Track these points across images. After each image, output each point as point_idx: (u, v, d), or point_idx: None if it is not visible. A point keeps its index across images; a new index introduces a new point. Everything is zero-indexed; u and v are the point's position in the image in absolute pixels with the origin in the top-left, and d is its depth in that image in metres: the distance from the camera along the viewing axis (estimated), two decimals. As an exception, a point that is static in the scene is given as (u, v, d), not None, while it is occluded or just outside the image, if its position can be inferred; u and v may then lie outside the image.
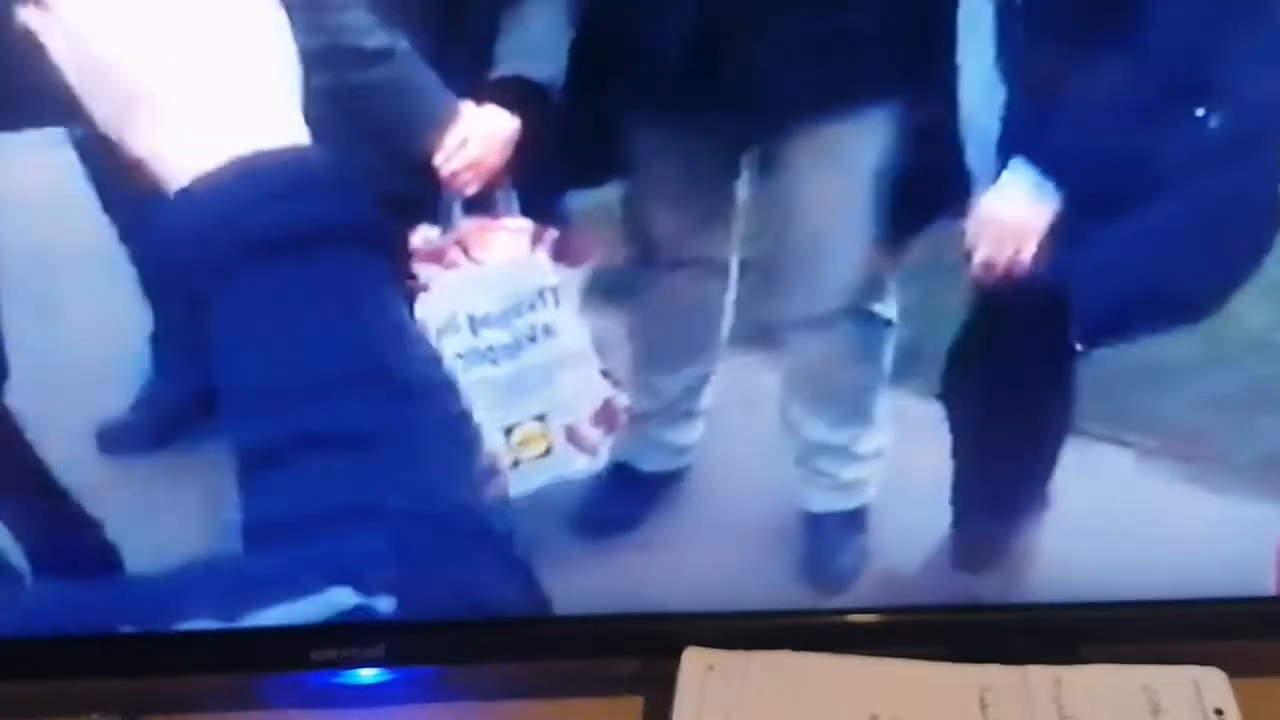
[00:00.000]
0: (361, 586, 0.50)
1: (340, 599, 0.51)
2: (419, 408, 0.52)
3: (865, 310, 0.91)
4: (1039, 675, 0.80)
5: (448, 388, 0.54)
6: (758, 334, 0.91)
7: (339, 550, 0.51)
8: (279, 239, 0.49)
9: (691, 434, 0.93)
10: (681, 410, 0.93)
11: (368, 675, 0.82)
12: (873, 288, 0.90)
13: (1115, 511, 0.88)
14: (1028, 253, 0.84)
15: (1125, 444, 0.89)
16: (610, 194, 0.86)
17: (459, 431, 0.54)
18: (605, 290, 0.87)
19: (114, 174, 0.56)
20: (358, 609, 0.51)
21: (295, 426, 0.50)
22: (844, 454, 0.93)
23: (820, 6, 0.80)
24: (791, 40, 0.80)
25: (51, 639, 0.68)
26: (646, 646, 0.83)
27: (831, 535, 0.93)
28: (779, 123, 0.84)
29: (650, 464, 0.92)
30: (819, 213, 0.88)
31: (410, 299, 0.60)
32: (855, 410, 0.93)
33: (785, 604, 0.87)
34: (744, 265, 0.89)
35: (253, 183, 0.49)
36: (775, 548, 0.91)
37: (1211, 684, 0.79)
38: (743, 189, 0.87)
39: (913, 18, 0.81)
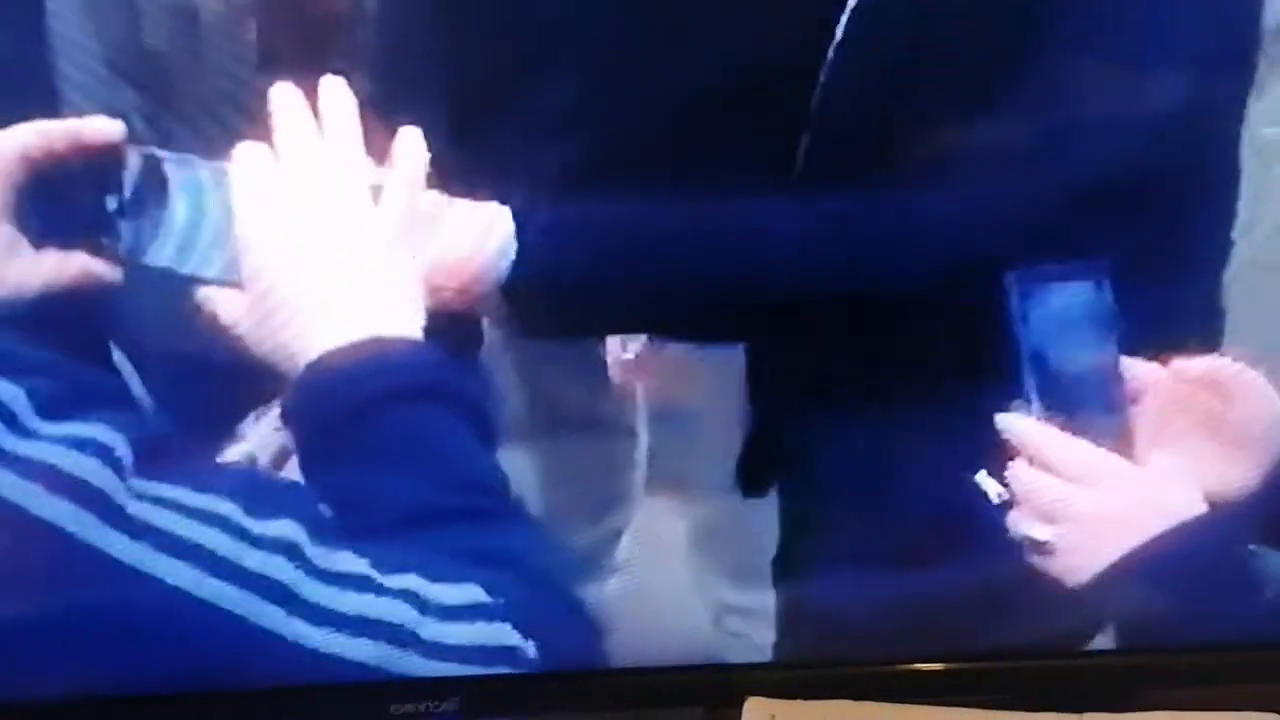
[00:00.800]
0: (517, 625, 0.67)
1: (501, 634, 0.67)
2: (492, 498, 0.71)
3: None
4: (1097, 724, 0.80)
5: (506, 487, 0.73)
6: (673, 486, 0.92)
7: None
8: (389, 395, 0.69)
9: (604, 589, 0.93)
10: (597, 564, 0.94)
11: (445, 728, 0.84)
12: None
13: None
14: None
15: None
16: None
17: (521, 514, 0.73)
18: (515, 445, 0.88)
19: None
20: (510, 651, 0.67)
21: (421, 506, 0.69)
22: (757, 616, 0.91)
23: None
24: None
25: (131, 695, 0.71)
26: (711, 696, 0.85)
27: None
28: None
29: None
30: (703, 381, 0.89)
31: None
32: (763, 574, 0.90)
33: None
34: (652, 423, 0.91)
35: (375, 358, 0.70)
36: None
37: (1269, 729, 0.79)
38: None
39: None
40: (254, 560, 0.63)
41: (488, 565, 0.67)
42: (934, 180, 0.78)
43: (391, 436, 0.70)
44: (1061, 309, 0.78)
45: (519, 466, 0.86)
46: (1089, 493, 0.78)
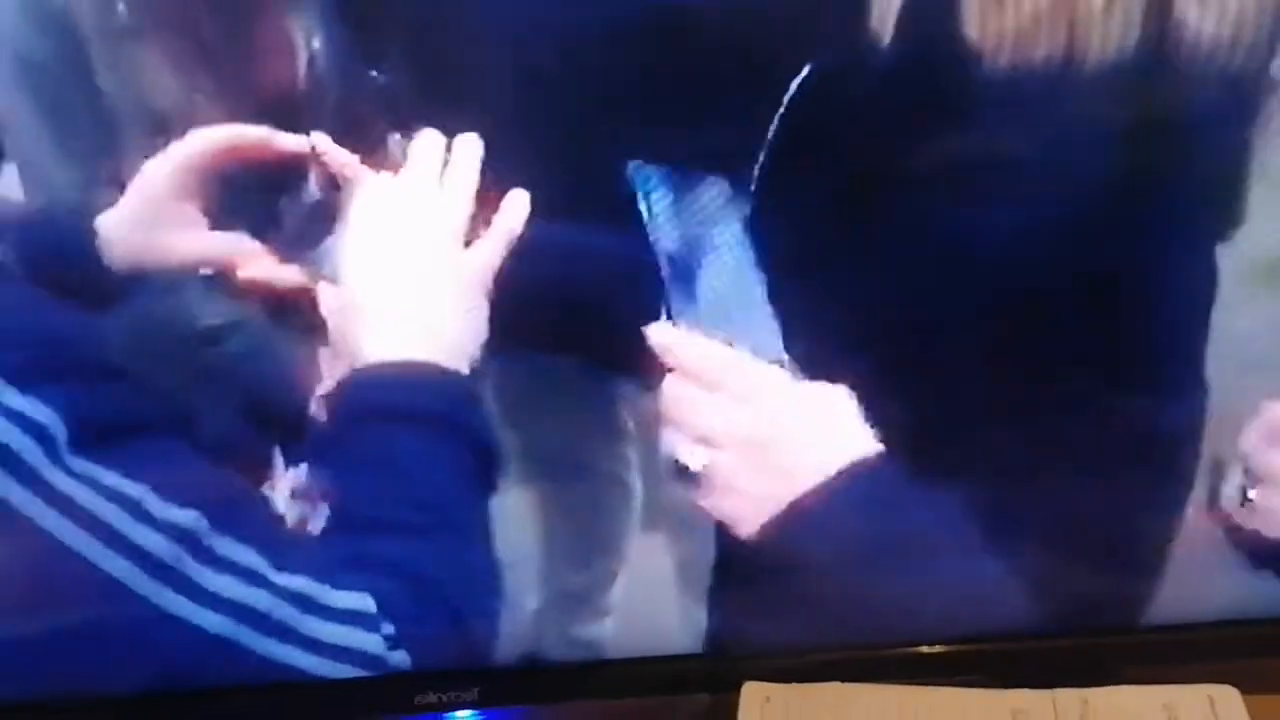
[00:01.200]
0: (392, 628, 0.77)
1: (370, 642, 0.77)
2: (457, 518, 0.81)
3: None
4: (1067, 698, 0.83)
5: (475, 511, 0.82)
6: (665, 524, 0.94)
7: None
8: (409, 412, 0.79)
9: (601, 629, 0.95)
10: (591, 605, 0.95)
11: (464, 716, 0.90)
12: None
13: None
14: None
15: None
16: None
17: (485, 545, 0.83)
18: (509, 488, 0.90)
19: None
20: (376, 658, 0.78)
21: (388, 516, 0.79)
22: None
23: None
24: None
25: (148, 693, 0.79)
26: (716, 682, 0.90)
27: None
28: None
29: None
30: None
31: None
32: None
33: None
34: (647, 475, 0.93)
35: (409, 378, 0.79)
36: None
37: (1226, 701, 0.83)
38: (629, 416, 0.93)
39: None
40: (149, 540, 0.73)
41: (395, 578, 0.78)
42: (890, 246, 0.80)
43: (376, 446, 0.80)
44: (691, 205, 0.70)
45: (519, 509, 0.92)
46: (742, 409, 0.68)
